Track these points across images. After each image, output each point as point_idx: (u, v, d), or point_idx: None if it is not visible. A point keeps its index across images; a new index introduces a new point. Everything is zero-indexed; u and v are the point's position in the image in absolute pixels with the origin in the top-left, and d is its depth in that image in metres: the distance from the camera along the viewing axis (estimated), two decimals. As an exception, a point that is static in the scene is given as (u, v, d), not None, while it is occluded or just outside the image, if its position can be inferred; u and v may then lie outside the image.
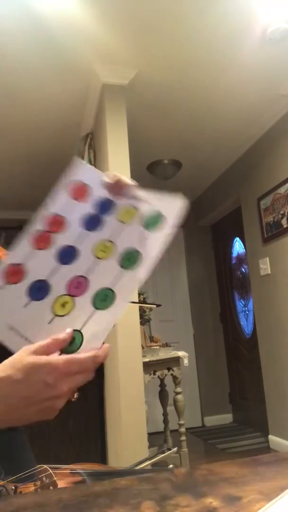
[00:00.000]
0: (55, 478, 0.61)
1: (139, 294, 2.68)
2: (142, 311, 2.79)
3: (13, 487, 0.57)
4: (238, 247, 4.43)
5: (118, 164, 2.49)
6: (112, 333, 2.22)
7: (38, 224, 0.61)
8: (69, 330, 0.52)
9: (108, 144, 2.52)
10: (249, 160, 3.65)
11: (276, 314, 3.29)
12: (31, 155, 3.54)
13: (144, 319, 2.89)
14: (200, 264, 4.79)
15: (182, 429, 2.71)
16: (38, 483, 0.60)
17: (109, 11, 2.13)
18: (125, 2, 2.08)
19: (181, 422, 2.71)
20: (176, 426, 2.73)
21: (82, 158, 3.16)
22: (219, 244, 4.78)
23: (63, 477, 0.64)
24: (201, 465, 0.48)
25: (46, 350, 0.50)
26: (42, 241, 0.59)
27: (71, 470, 0.67)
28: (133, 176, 2.47)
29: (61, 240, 0.59)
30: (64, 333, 0.52)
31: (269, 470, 0.48)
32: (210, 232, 4.91)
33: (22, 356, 0.49)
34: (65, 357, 0.49)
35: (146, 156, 3.66)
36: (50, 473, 0.61)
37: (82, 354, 0.50)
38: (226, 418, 4.37)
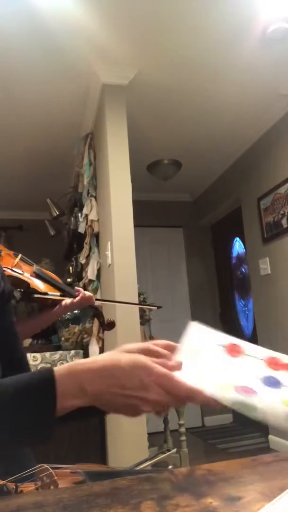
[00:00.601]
0: (55, 478, 0.61)
1: (139, 295, 2.68)
2: (142, 311, 2.79)
3: (14, 487, 0.57)
4: (238, 247, 4.42)
5: (118, 164, 2.49)
6: (112, 333, 2.22)
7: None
8: (176, 362, 0.56)
9: (108, 144, 2.52)
10: (249, 160, 3.65)
11: (276, 314, 3.29)
12: (31, 155, 3.54)
13: (144, 319, 2.89)
14: (200, 264, 4.78)
15: (182, 429, 2.71)
16: (39, 482, 0.60)
17: (109, 11, 2.13)
18: (125, 3, 2.08)
19: (181, 422, 2.71)
20: (176, 426, 2.73)
21: (82, 158, 3.16)
22: (219, 244, 4.78)
23: (63, 477, 0.64)
24: (201, 465, 0.48)
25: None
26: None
27: (71, 470, 0.68)
28: (133, 176, 2.48)
29: None
30: (174, 362, 0.55)
31: (269, 470, 0.48)
32: (210, 232, 4.91)
33: (140, 355, 0.54)
34: (163, 370, 0.52)
35: (146, 156, 3.66)
36: (51, 472, 0.61)
37: (183, 381, 0.52)
38: (226, 418, 4.37)
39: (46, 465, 0.64)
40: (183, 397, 0.52)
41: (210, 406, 0.52)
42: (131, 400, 0.51)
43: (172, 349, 0.63)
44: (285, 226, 3.11)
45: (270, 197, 3.31)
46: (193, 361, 0.60)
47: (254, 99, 2.99)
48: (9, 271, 1.22)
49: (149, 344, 0.62)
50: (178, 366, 0.57)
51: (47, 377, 0.51)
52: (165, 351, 0.61)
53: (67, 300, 1.39)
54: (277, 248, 3.25)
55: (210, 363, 0.61)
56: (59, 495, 0.43)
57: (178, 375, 0.55)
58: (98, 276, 2.78)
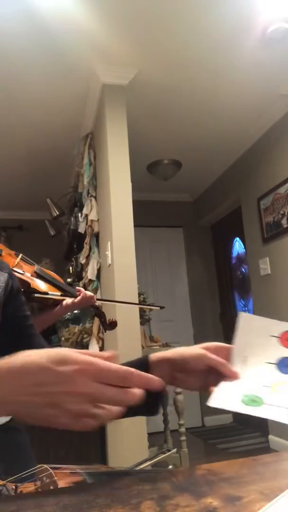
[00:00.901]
0: (55, 478, 0.61)
1: (139, 294, 2.68)
2: (142, 311, 2.79)
3: (14, 487, 0.57)
4: (238, 247, 4.42)
5: (118, 164, 2.49)
6: (112, 333, 2.22)
7: None
8: (111, 353, 0.50)
9: (108, 144, 2.52)
10: (249, 160, 3.65)
11: (276, 314, 3.29)
12: (31, 155, 3.54)
13: (144, 319, 2.89)
14: (200, 264, 4.79)
15: (182, 429, 2.71)
16: (39, 483, 0.60)
17: (109, 11, 2.13)
18: (125, 3, 2.08)
19: (181, 422, 2.71)
20: (176, 426, 2.73)
21: (82, 158, 3.16)
22: (219, 244, 4.78)
23: (63, 477, 0.64)
24: (201, 465, 0.48)
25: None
26: None
27: (71, 470, 0.68)
28: (133, 176, 2.48)
29: None
30: (108, 353, 0.50)
31: (269, 470, 0.48)
32: (210, 232, 4.91)
33: (69, 351, 0.47)
34: (87, 357, 0.46)
35: (146, 156, 3.66)
36: (51, 472, 0.61)
37: (111, 364, 0.46)
38: (226, 418, 4.37)
39: (46, 465, 0.64)
40: (116, 380, 0.45)
41: (152, 386, 0.47)
42: (53, 398, 0.44)
43: (224, 352, 0.61)
44: (285, 226, 3.11)
45: (270, 197, 3.31)
46: (243, 371, 0.60)
47: (254, 99, 2.99)
48: (9, 271, 1.22)
49: (203, 350, 0.60)
50: (235, 375, 0.55)
51: None
52: (220, 359, 0.58)
53: (68, 300, 1.39)
54: (277, 248, 3.25)
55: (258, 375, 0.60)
56: (59, 495, 0.43)
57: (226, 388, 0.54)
58: (98, 276, 2.78)
